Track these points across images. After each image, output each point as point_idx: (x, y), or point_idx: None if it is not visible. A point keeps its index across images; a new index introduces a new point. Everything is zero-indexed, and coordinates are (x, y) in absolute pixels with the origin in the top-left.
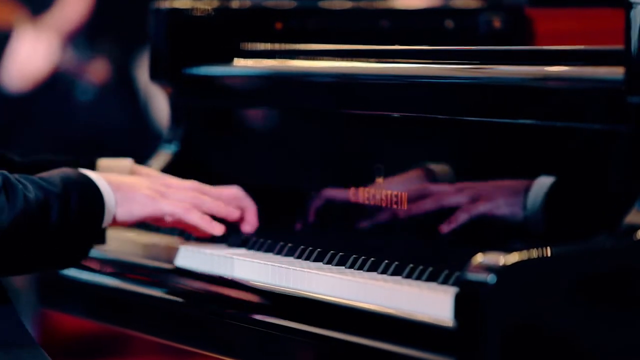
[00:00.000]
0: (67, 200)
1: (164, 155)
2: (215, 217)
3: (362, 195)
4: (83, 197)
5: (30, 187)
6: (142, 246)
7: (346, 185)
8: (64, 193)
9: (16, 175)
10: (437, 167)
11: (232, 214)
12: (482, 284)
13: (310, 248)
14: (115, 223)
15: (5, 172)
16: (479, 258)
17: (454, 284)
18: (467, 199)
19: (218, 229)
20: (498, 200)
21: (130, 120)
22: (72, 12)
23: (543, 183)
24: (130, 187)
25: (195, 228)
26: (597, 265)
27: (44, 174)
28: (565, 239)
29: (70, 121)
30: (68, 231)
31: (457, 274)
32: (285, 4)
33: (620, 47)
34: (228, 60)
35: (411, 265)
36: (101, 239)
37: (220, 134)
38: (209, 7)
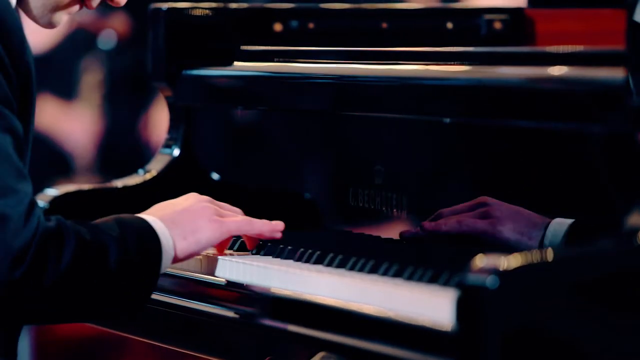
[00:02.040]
0: (125, 244)
1: (163, 157)
2: None
3: (361, 196)
4: (141, 240)
5: (86, 230)
6: None
7: (346, 187)
8: (121, 236)
9: (71, 221)
10: (438, 169)
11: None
12: (483, 287)
13: (310, 250)
14: (178, 260)
15: (60, 216)
16: (480, 260)
17: (454, 287)
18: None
19: (281, 226)
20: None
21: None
22: None
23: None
24: (190, 218)
25: (249, 237)
26: (598, 268)
27: (97, 221)
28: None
29: None
30: (128, 276)
31: (457, 276)
32: (284, 6)
33: (620, 48)
34: (227, 62)
35: (412, 267)
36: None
37: (220, 136)
38: (208, 8)
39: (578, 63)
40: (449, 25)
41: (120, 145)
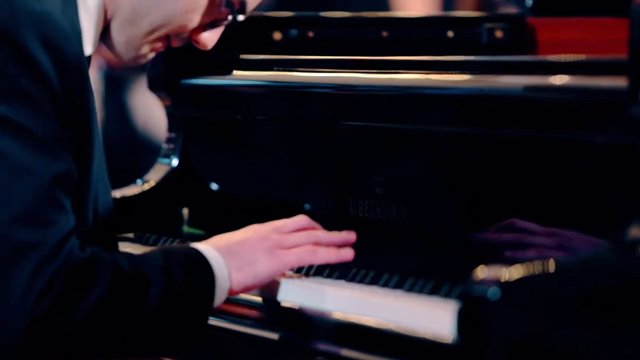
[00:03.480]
0: (170, 275)
1: (161, 167)
2: None
3: (361, 207)
4: (190, 271)
5: (125, 261)
6: None
7: (346, 197)
8: (166, 267)
9: (111, 252)
10: (438, 179)
11: (347, 254)
12: (484, 298)
13: None
14: (234, 293)
15: (97, 247)
16: (481, 272)
17: (456, 299)
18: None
19: (350, 255)
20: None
21: (129, 132)
22: None
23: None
24: (249, 249)
25: None
26: (600, 280)
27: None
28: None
29: None
30: (173, 311)
31: (459, 288)
32: (284, 14)
33: (623, 57)
34: (227, 71)
35: (413, 279)
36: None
37: (219, 145)
38: None
39: (580, 72)
40: (450, 33)
41: (119, 153)
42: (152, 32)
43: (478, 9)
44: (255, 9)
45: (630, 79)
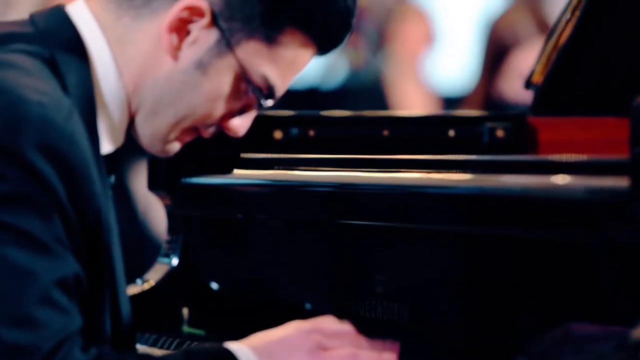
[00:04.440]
0: None
1: (161, 267)
2: None
3: (362, 306)
4: None
5: None
6: None
7: (346, 296)
8: None
9: (124, 354)
10: (440, 279)
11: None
12: None
13: None
14: None
15: (106, 348)
16: None
17: None
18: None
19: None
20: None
21: (128, 230)
22: None
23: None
24: (287, 348)
25: None
26: None
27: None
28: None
29: None
30: None
31: None
32: (284, 113)
33: (625, 157)
34: (227, 170)
35: None
36: None
37: (219, 244)
38: None
39: (582, 172)
40: (451, 132)
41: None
42: (177, 123)
43: (480, 107)
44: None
45: (632, 179)
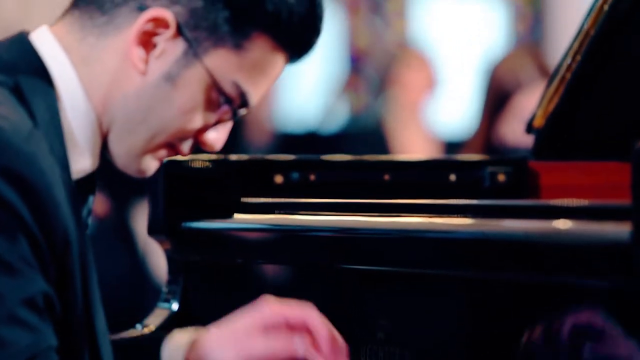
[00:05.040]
0: None
1: (162, 312)
2: None
3: (363, 352)
4: None
5: None
6: None
7: (348, 341)
8: None
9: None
10: (442, 324)
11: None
12: None
13: None
14: None
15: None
16: None
17: None
18: None
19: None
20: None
21: (129, 274)
22: None
23: None
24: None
25: None
26: None
27: None
28: None
29: None
30: None
31: None
32: (285, 157)
33: (627, 202)
34: (228, 214)
35: None
36: None
37: (220, 290)
38: (208, 160)
39: (584, 217)
40: (452, 177)
41: (114, 298)
42: (151, 139)
43: (480, 152)
44: (256, 152)
45: (634, 224)
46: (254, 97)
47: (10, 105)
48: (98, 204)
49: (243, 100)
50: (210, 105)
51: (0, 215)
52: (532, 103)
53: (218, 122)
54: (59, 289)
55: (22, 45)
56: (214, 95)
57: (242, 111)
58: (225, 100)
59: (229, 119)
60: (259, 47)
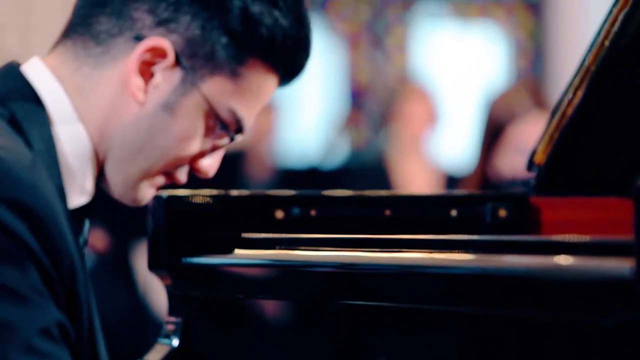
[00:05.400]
0: None
1: (162, 348)
2: None
3: None
4: None
5: None
6: None
7: None
8: None
9: None
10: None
11: None
12: None
13: None
14: None
15: None
16: None
17: None
18: None
19: None
20: None
21: (129, 309)
22: None
23: None
24: None
25: None
26: None
27: None
28: None
29: None
30: None
31: None
32: (286, 193)
33: (629, 238)
34: (228, 250)
35: None
36: None
37: (221, 325)
38: (209, 196)
39: (585, 253)
40: (453, 212)
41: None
42: (149, 167)
43: (481, 187)
44: (257, 187)
45: (637, 260)
46: (248, 122)
47: (8, 135)
48: (98, 239)
49: (238, 126)
50: (207, 132)
51: (9, 246)
52: (527, 132)
53: (213, 149)
54: (68, 318)
55: (13, 76)
56: (211, 122)
57: (238, 137)
58: (221, 127)
59: (225, 145)
60: (254, 72)
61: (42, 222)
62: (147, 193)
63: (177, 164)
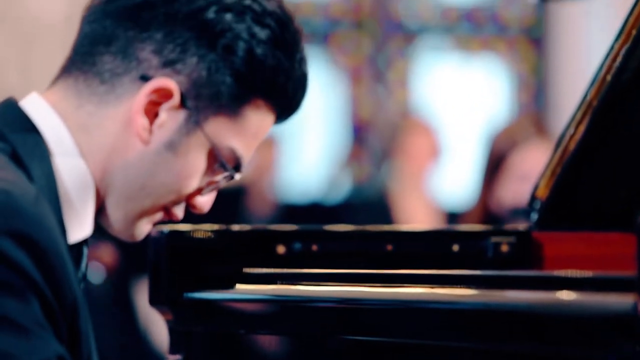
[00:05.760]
0: None
1: None
2: None
3: None
4: None
5: None
6: None
7: None
8: None
9: None
10: None
11: None
12: None
13: None
14: None
15: None
16: None
17: None
18: None
19: None
20: None
21: (130, 344)
22: None
23: None
24: None
25: None
26: None
27: None
28: None
29: None
30: None
31: None
32: (287, 227)
33: (631, 273)
34: (230, 285)
35: None
36: None
37: None
38: (210, 231)
39: (587, 288)
40: (455, 247)
41: None
42: (151, 204)
43: (482, 221)
44: (259, 222)
45: (639, 295)
46: (246, 160)
47: (11, 170)
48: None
49: (237, 165)
50: (207, 170)
51: (12, 278)
52: (529, 160)
53: (208, 184)
54: (69, 352)
55: (12, 111)
56: (211, 160)
57: (237, 176)
58: (222, 165)
59: (223, 184)
60: (254, 111)
61: (46, 256)
62: (145, 229)
63: (177, 201)
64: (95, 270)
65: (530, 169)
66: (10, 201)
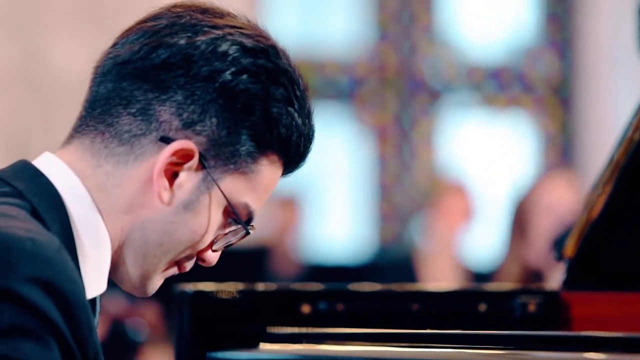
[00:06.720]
0: None
1: None
2: None
3: None
4: None
5: None
6: None
7: None
8: None
9: None
10: None
11: None
12: None
13: None
14: None
15: None
16: None
17: None
18: None
19: None
20: None
21: None
22: None
23: None
24: None
25: None
26: None
27: None
28: None
29: None
30: None
31: None
32: (312, 287)
33: None
34: (253, 344)
35: None
36: None
37: None
38: (234, 290)
39: (615, 349)
40: (482, 307)
41: None
42: (166, 261)
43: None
44: (283, 281)
45: None
46: (256, 214)
47: (33, 223)
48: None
49: (249, 219)
50: (223, 226)
51: (34, 323)
52: (555, 192)
53: (218, 239)
54: None
55: (28, 171)
56: (226, 216)
57: (251, 230)
58: (237, 221)
59: (237, 240)
60: (268, 168)
61: (72, 306)
62: (157, 284)
63: (191, 256)
64: (140, 328)
65: (558, 202)
66: (38, 249)
